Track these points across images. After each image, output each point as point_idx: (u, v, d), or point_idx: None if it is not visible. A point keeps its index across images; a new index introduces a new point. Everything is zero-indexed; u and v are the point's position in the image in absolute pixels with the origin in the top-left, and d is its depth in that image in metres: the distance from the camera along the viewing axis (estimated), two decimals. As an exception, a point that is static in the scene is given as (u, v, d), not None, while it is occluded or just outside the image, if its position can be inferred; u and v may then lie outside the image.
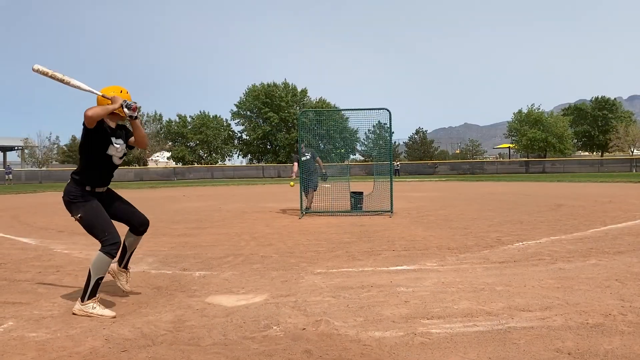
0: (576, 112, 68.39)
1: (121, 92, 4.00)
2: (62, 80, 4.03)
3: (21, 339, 3.25)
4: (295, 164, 12.16)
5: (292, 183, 12.62)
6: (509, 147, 71.36)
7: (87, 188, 3.96)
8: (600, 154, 68.06)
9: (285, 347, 3.04)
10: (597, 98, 68.98)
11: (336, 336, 3.21)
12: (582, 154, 72.96)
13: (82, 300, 3.77)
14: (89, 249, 6.86)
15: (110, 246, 3.82)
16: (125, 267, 4.37)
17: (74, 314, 3.74)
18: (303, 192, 11.69)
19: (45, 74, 3.94)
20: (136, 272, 4.60)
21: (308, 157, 11.95)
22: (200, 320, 3.59)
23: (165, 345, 3.11)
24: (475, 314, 3.62)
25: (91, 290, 3.77)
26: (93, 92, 4.03)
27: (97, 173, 4.01)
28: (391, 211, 10.83)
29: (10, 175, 44.41)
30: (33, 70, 4.00)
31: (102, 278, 3.84)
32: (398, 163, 56.52)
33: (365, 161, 55.04)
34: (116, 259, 4.06)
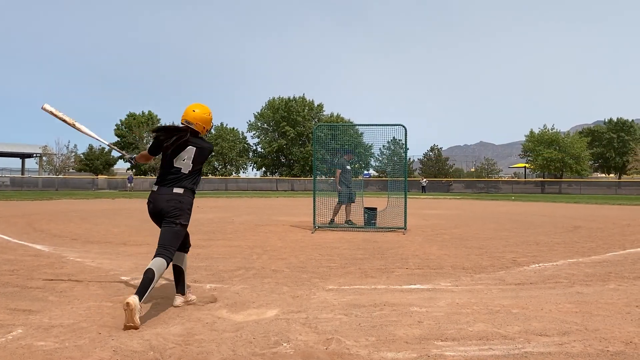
0: (591, 135, 67.77)
1: (209, 115, 4.36)
2: (70, 124, 4.29)
3: (29, 347, 3.22)
4: (339, 171, 11.60)
5: None
6: (525, 167, 70.83)
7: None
8: (617, 176, 67.17)
9: (295, 366, 2.97)
10: (610, 120, 68.34)
11: (347, 356, 3.14)
12: (598, 175, 72.12)
13: (140, 299, 3.72)
14: (101, 258, 6.87)
15: (172, 257, 4.16)
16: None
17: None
18: (343, 205, 11.65)
19: (53, 115, 4.14)
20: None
21: (349, 168, 11.81)
22: (210, 334, 3.54)
23: (173, 359, 3.06)
24: (490, 337, 3.52)
25: (150, 291, 3.86)
26: (99, 141, 4.31)
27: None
28: (405, 228, 10.72)
29: (132, 184, 47.37)
30: (42, 109, 4.19)
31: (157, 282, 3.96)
32: (425, 180, 56.02)
33: (379, 177, 54.76)
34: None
